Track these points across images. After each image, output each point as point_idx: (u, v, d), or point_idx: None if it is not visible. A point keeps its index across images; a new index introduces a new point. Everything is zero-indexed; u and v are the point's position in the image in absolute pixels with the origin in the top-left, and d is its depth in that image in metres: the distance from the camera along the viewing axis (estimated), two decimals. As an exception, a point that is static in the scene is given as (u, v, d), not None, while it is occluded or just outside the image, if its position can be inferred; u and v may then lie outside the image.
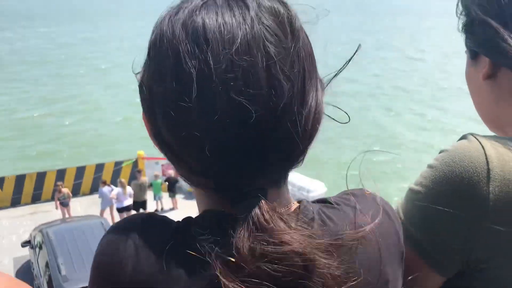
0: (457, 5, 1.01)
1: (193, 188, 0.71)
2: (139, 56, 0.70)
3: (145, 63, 0.68)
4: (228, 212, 0.62)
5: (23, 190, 13.51)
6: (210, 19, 0.61)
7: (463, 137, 0.88)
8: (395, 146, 17.61)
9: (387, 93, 25.40)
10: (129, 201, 11.88)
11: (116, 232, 0.66)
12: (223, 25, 0.60)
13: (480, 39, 0.97)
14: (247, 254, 0.57)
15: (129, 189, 11.98)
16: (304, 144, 0.65)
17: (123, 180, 12.23)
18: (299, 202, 0.69)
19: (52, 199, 12.72)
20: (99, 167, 14.25)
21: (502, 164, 0.81)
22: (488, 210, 0.80)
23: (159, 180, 12.96)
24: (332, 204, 0.68)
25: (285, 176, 0.69)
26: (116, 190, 11.93)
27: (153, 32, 0.67)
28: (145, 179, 12.51)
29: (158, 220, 0.67)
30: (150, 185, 12.82)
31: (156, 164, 14.22)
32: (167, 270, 0.61)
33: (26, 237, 10.19)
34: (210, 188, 0.66)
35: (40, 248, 8.80)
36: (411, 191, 0.90)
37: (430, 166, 0.89)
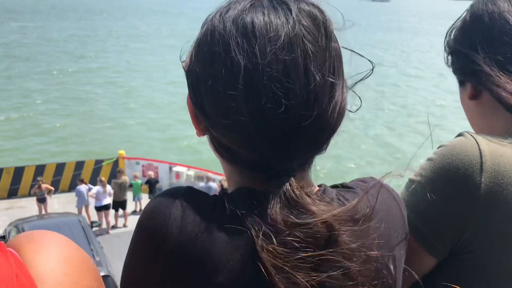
0: (444, 43, 1.16)
1: (225, 164, 0.79)
2: (184, 46, 0.80)
3: (195, 53, 0.76)
4: (259, 189, 0.70)
5: (-1, 184, 13.31)
6: (258, 18, 0.70)
7: (460, 134, 0.98)
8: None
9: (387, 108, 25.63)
10: (108, 200, 11.78)
11: (162, 199, 0.72)
12: (269, 24, 0.69)
13: (457, 66, 1.11)
14: (281, 223, 0.65)
15: (108, 188, 11.88)
16: (329, 134, 0.74)
17: (103, 178, 12.12)
18: (319, 186, 0.77)
19: (29, 195, 12.53)
20: (79, 165, 14.11)
21: (494, 158, 0.91)
22: (479, 198, 0.90)
23: (139, 181, 12.88)
24: (348, 187, 0.76)
25: (310, 161, 0.77)
26: (96, 188, 11.81)
27: (203, 26, 0.76)
28: (125, 178, 12.43)
29: (198, 191, 0.74)
30: (130, 185, 12.73)
31: (137, 164, 14.15)
32: (209, 233, 0.67)
33: (0, 232, 10.03)
34: (246, 165, 0.74)
35: (15, 244, 8.65)
36: (410, 181, 1.00)
37: (429, 159, 0.98)
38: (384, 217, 0.75)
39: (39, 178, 12.13)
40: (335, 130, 0.75)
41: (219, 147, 0.76)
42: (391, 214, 0.77)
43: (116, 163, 14.21)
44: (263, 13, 0.71)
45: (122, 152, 14.24)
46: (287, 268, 0.64)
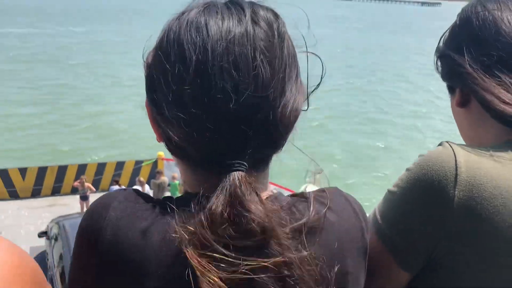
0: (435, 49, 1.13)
1: (181, 165, 0.79)
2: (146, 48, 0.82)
3: (152, 54, 0.78)
4: (205, 193, 0.68)
5: (43, 182, 13.75)
6: (212, 18, 0.73)
7: (440, 144, 0.95)
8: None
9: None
10: (146, 200, 11.95)
11: (102, 200, 0.73)
12: (222, 23, 0.72)
13: (445, 71, 1.09)
14: (217, 215, 0.65)
15: (147, 188, 12.10)
16: (281, 131, 0.74)
17: (142, 178, 12.40)
18: (274, 193, 0.77)
19: (72, 193, 12.89)
20: (120, 165, 14.41)
21: (469, 170, 0.87)
22: (452, 211, 0.87)
23: (177, 182, 13.04)
24: (305, 198, 0.75)
25: (266, 162, 0.77)
26: (134, 188, 12.03)
27: (162, 30, 0.78)
28: (164, 178, 12.63)
29: (142, 194, 0.75)
30: (168, 185, 12.92)
31: (175, 165, 14.29)
32: (143, 236, 0.67)
33: (43, 228, 10.34)
34: (198, 163, 0.74)
35: (56, 239, 8.91)
36: (388, 192, 0.98)
37: (407, 170, 0.96)
38: (337, 228, 0.74)
39: (82, 176, 12.47)
40: (288, 128, 0.75)
41: (173, 146, 0.75)
42: (347, 227, 0.76)
43: (155, 164, 14.45)
44: (217, 13, 0.73)
45: (161, 153, 14.44)
46: (210, 265, 0.63)
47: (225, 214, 0.65)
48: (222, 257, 0.64)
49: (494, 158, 0.90)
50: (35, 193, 13.69)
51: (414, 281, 0.95)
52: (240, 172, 0.69)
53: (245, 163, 0.70)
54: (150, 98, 0.76)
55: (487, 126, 1.01)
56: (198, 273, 0.62)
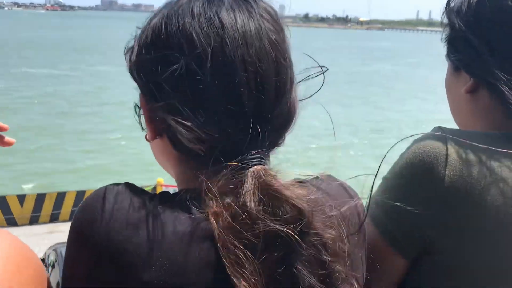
0: (442, 15, 1.03)
1: (178, 160, 0.76)
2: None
3: (146, 44, 0.73)
4: (215, 189, 0.66)
5: (42, 209, 13.66)
6: (221, 11, 0.70)
7: (433, 129, 0.96)
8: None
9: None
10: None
11: (97, 192, 0.71)
12: (234, 17, 0.70)
13: (461, 55, 1.01)
14: (256, 206, 0.63)
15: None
16: (290, 125, 0.76)
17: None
18: None
19: (70, 219, 12.79)
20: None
21: (459, 151, 0.89)
22: (442, 191, 0.88)
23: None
24: (302, 182, 0.73)
25: (268, 154, 0.75)
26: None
27: (150, 21, 0.75)
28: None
29: (138, 188, 0.72)
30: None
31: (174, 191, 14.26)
32: (140, 230, 0.65)
33: (42, 256, 10.25)
34: (207, 157, 0.70)
35: (53, 266, 8.80)
36: (383, 179, 0.98)
37: (400, 155, 0.97)
38: (345, 215, 0.74)
39: None
40: (295, 119, 0.76)
41: (178, 142, 0.71)
42: (344, 212, 0.75)
43: (154, 190, 14.38)
44: (226, 7, 0.71)
45: (160, 179, 14.40)
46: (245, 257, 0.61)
47: (260, 207, 0.63)
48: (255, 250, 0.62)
49: (485, 140, 0.90)
50: (33, 220, 13.60)
51: (412, 267, 0.96)
52: (261, 166, 0.68)
53: (263, 157, 0.70)
54: (150, 94, 0.73)
55: (489, 117, 1.00)
56: (230, 268, 0.61)
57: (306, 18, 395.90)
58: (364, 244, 0.79)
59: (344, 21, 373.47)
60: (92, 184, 15.66)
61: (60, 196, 13.90)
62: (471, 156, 0.88)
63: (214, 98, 0.68)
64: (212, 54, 0.67)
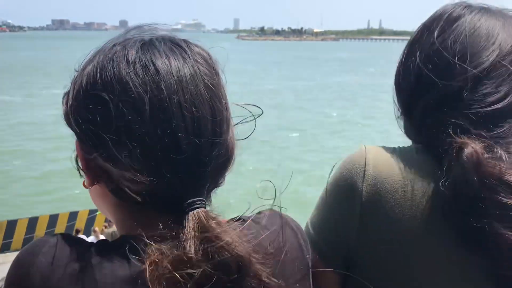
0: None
1: (115, 207, 0.75)
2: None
3: (80, 93, 0.72)
4: (152, 235, 0.66)
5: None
6: (156, 57, 0.71)
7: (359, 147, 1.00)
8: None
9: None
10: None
11: (31, 246, 0.69)
12: (169, 62, 0.71)
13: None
14: (196, 252, 0.63)
15: (102, 238, 11.69)
16: (229, 165, 0.76)
17: (96, 228, 11.97)
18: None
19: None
20: (73, 215, 13.92)
21: (376, 167, 0.92)
22: (361, 206, 0.91)
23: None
24: (244, 221, 0.74)
25: (210, 195, 0.76)
26: (90, 239, 11.63)
27: (84, 68, 0.74)
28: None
29: (75, 238, 0.71)
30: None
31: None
32: (77, 282, 0.64)
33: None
34: (147, 202, 0.69)
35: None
36: (319, 198, 1.02)
37: (330, 175, 1.01)
38: (287, 249, 0.74)
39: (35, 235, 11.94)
40: (232, 161, 0.77)
41: (116, 189, 0.70)
42: (291, 246, 0.76)
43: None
44: (159, 51, 0.72)
45: (116, 200, 14.12)
46: None
47: (200, 252, 0.63)
48: None
49: (401, 155, 0.93)
50: (-17, 251, 13.00)
51: (344, 282, 0.98)
52: (202, 209, 0.68)
53: (204, 200, 0.70)
54: (86, 141, 0.71)
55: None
56: None
57: (262, 31, 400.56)
58: (309, 276, 0.80)
59: (299, 32, 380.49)
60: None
61: (11, 224, 13.32)
62: (386, 171, 0.91)
63: (151, 145, 0.67)
64: (148, 101, 0.67)
